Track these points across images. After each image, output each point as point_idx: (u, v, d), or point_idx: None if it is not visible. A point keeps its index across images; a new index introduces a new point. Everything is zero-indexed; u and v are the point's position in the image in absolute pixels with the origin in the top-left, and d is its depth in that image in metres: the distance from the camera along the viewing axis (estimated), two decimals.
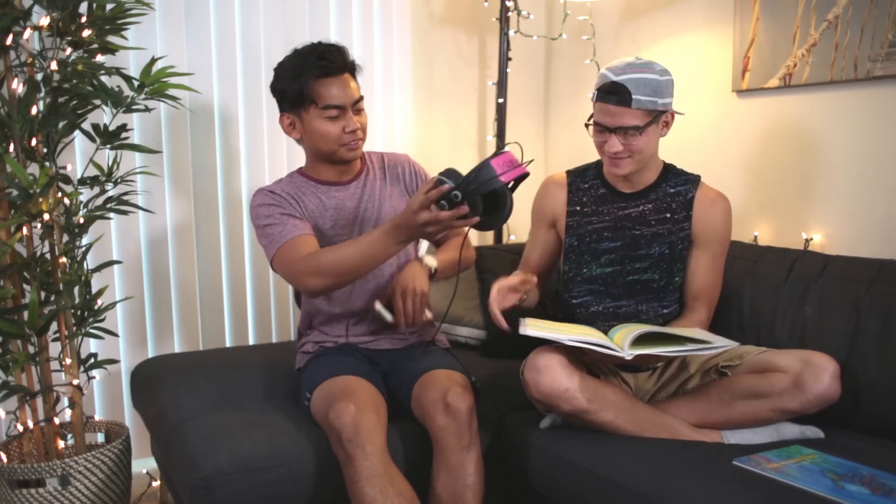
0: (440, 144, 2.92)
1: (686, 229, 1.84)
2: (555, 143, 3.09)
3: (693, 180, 1.87)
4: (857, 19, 1.99)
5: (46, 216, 1.85)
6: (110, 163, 2.01)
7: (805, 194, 2.18)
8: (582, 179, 1.93)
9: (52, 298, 1.92)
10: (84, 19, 1.86)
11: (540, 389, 1.66)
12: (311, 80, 1.79)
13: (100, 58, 1.95)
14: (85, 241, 2.01)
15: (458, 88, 2.94)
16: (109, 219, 2.13)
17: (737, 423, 1.69)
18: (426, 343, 1.96)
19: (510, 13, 2.78)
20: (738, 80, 2.30)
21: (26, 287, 1.94)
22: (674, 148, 2.00)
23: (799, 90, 2.17)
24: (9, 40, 1.82)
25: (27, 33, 1.86)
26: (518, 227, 2.92)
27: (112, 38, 1.94)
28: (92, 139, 1.99)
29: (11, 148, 1.86)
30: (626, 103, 1.70)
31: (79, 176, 2.02)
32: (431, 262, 1.88)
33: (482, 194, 1.48)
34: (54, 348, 2.00)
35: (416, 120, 2.83)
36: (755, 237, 2.28)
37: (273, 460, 1.65)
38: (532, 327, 1.64)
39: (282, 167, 2.58)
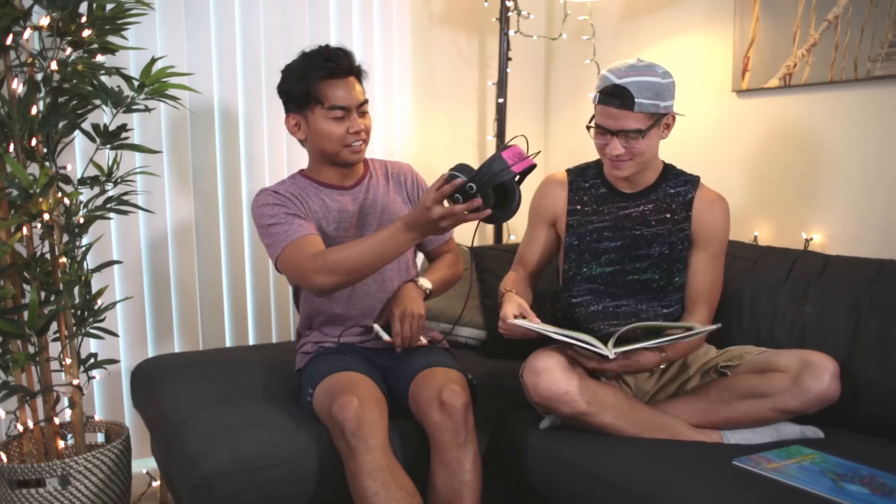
0: (440, 144, 2.92)
1: (686, 230, 1.84)
2: (555, 143, 3.09)
3: (692, 181, 1.87)
4: (857, 19, 1.99)
5: (46, 216, 1.85)
6: (110, 163, 2.01)
7: (805, 194, 2.18)
8: (582, 178, 1.93)
9: (52, 298, 1.92)
10: (84, 19, 1.86)
11: (539, 392, 1.66)
12: (317, 80, 1.81)
13: (100, 58, 1.95)
14: (85, 241, 2.01)
15: (458, 88, 2.94)
16: (109, 219, 2.14)
17: (737, 423, 1.69)
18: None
19: (510, 13, 2.78)
20: (738, 80, 2.30)
21: (26, 287, 1.94)
22: (674, 148, 2.00)
23: (799, 90, 2.17)
24: (9, 40, 1.82)
25: (27, 33, 1.86)
26: (518, 227, 2.92)
27: (112, 38, 1.94)
28: (92, 139, 1.99)
29: (11, 148, 1.86)
30: (628, 107, 1.69)
31: (79, 176, 2.02)
32: (427, 284, 1.94)
33: (493, 186, 1.52)
34: (54, 348, 2.00)
35: (416, 120, 2.83)
36: (755, 237, 2.28)
37: (273, 459, 1.65)
38: (519, 319, 1.68)
39: (282, 167, 2.58)
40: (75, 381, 1.98)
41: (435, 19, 2.87)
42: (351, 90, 1.84)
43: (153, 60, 1.95)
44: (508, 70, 2.83)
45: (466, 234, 2.52)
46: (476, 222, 1.65)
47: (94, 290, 2.03)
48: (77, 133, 2.01)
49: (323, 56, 1.83)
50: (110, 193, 2.02)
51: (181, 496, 1.76)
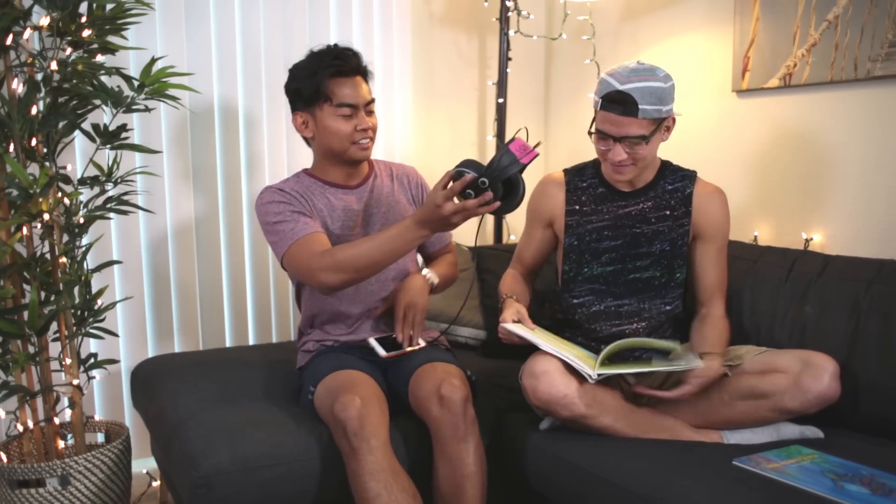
0: (440, 144, 2.92)
1: (686, 225, 1.84)
2: (555, 143, 3.09)
3: (690, 176, 1.87)
4: (857, 19, 1.99)
5: (46, 216, 1.85)
6: (110, 163, 2.01)
7: (805, 194, 2.18)
8: (580, 178, 1.92)
9: (52, 298, 1.92)
10: (84, 19, 1.86)
11: (538, 396, 1.66)
12: (326, 78, 1.83)
13: (100, 58, 1.95)
14: (85, 241, 2.01)
15: (458, 88, 2.94)
16: (109, 219, 2.14)
17: (737, 423, 1.69)
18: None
19: (510, 13, 2.78)
20: (738, 80, 2.30)
21: (26, 287, 1.94)
22: (674, 148, 2.00)
23: (799, 90, 2.17)
24: (9, 40, 1.82)
25: (27, 33, 1.86)
26: (518, 226, 2.91)
27: (112, 38, 1.94)
28: (92, 139, 1.99)
29: (11, 148, 1.86)
30: (632, 113, 1.68)
31: (79, 176, 2.02)
32: (434, 277, 1.95)
33: (503, 180, 1.54)
34: (54, 348, 2.00)
35: (416, 120, 2.83)
36: (755, 237, 2.28)
37: (273, 458, 1.65)
38: (514, 325, 1.72)
39: (282, 167, 2.58)
40: (75, 381, 1.98)
41: (435, 19, 2.87)
42: (359, 88, 1.86)
43: (153, 60, 1.95)
44: (508, 70, 2.83)
45: (468, 234, 2.52)
46: (479, 219, 1.73)
47: (94, 290, 2.03)
48: (77, 133, 2.01)
49: (332, 54, 1.85)
50: (110, 193, 2.02)
51: (181, 496, 1.76)
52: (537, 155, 1.56)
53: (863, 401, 1.72)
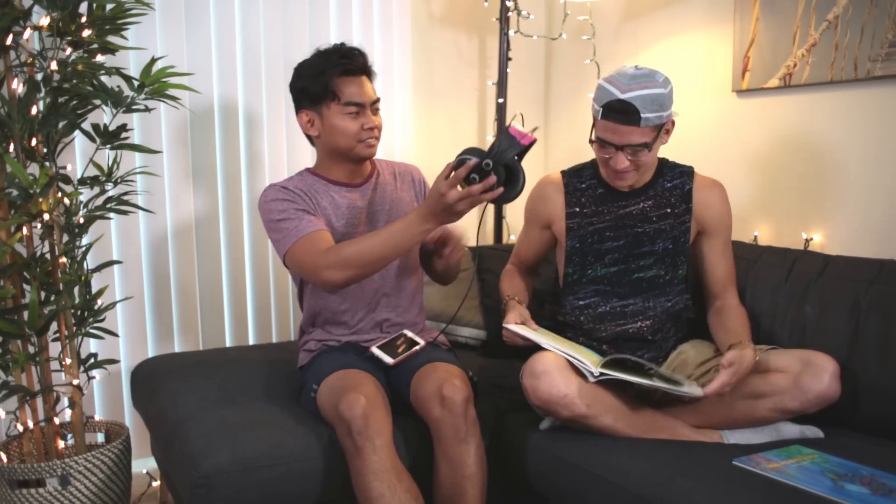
0: (440, 144, 2.92)
1: (687, 222, 1.85)
2: (555, 143, 3.09)
3: (687, 172, 1.88)
4: (857, 19, 1.99)
5: (46, 216, 1.85)
6: (110, 163, 2.01)
7: (805, 194, 2.18)
8: (578, 179, 1.92)
9: (52, 298, 1.92)
10: (84, 19, 1.86)
11: (538, 395, 1.66)
12: (334, 77, 1.84)
13: (100, 58, 1.95)
14: (85, 241, 2.01)
15: (458, 88, 2.94)
16: (109, 219, 2.13)
17: (737, 423, 1.69)
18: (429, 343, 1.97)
19: (510, 13, 2.78)
20: (738, 80, 2.30)
21: (26, 287, 1.94)
22: (674, 148, 1.99)
23: (799, 90, 2.17)
24: (9, 40, 1.82)
25: (27, 33, 1.85)
26: (518, 226, 2.91)
27: (112, 38, 1.94)
28: (92, 139, 1.99)
29: (11, 148, 1.85)
30: (634, 122, 1.67)
31: (79, 176, 2.02)
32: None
33: (503, 165, 1.56)
34: (54, 348, 2.00)
35: (416, 120, 2.83)
36: (755, 237, 2.28)
37: (273, 458, 1.65)
38: (516, 325, 1.73)
39: (282, 166, 2.58)
40: (75, 381, 1.98)
41: (435, 19, 2.87)
42: (365, 88, 1.88)
43: (153, 60, 1.95)
44: (508, 70, 2.83)
45: (468, 234, 2.51)
46: (480, 218, 1.79)
47: (94, 290, 2.03)
48: (77, 133, 2.01)
49: (339, 53, 1.86)
50: (110, 193, 2.02)
51: (181, 496, 1.76)
52: (535, 140, 1.57)
53: (863, 401, 1.71)
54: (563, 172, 1.95)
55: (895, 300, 1.74)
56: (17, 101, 1.84)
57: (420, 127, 2.86)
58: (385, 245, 1.68)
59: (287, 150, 2.59)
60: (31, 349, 1.92)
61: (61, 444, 2.00)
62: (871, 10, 1.96)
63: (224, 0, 2.45)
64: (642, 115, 1.66)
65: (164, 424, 1.86)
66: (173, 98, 1.99)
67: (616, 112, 1.68)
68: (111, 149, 2.01)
